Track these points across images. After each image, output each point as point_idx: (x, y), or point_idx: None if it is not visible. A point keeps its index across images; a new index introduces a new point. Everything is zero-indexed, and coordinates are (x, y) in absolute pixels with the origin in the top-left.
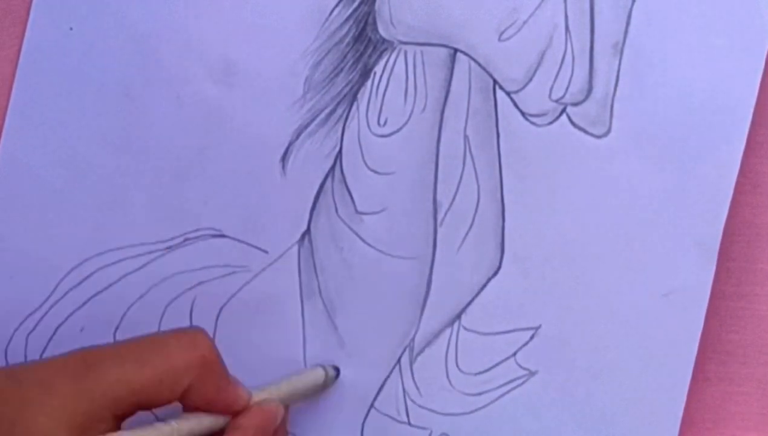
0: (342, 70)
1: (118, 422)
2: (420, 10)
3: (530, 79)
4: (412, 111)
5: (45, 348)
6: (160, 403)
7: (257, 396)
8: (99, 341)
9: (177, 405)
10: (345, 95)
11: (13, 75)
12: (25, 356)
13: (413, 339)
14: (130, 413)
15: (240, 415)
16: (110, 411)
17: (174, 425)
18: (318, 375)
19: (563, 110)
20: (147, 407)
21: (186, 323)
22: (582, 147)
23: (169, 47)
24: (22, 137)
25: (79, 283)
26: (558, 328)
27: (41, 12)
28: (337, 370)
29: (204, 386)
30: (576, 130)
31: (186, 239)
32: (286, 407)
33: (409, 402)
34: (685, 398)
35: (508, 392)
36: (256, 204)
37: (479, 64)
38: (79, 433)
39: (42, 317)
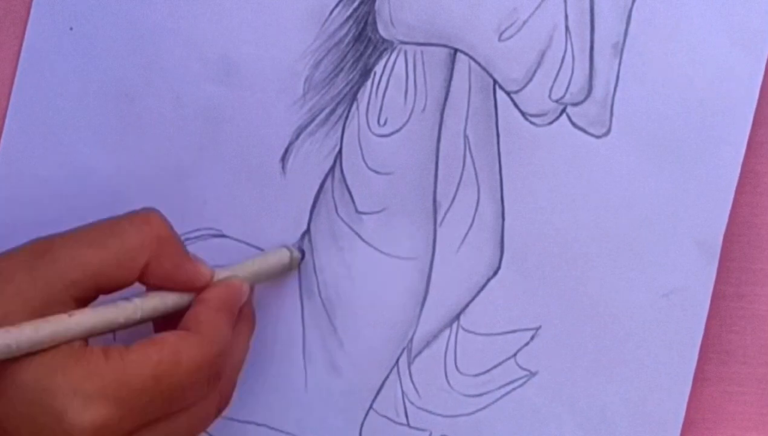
0: (342, 70)
1: (79, 305)
2: (420, 10)
3: (530, 79)
4: (412, 111)
5: None
6: (119, 284)
7: (221, 274)
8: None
9: (143, 287)
10: (345, 95)
11: (13, 75)
12: None
13: (412, 340)
14: (91, 297)
15: (203, 290)
16: (68, 294)
17: (137, 302)
18: (283, 255)
19: (563, 110)
20: (107, 289)
21: None
22: (582, 147)
23: (169, 47)
24: (22, 137)
25: None
26: (558, 328)
27: (41, 12)
28: (302, 252)
29: (161, 264)
30: (576, 131)
31: (186, 239)
32: (252, 287)
33: (407, 403)
34: (687, 399)
35: (508, 393)
36: (256, 204)
37: (479, 64)
38: (39, 316)
39: None
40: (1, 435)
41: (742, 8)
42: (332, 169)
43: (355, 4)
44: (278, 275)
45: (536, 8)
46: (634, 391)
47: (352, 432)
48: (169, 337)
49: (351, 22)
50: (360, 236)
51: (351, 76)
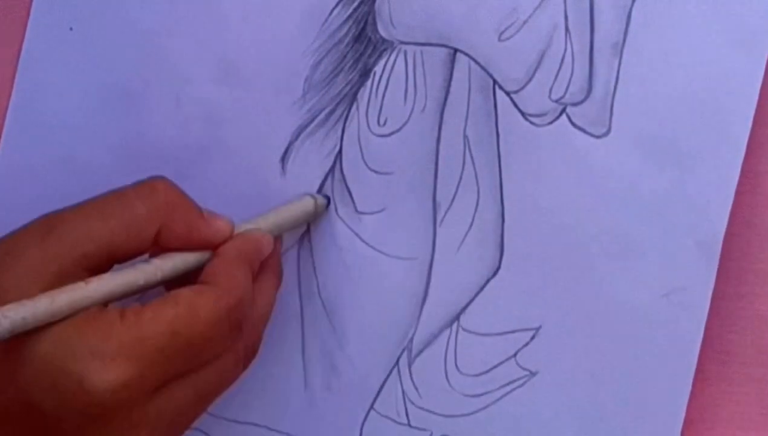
0: (342, 70)
1: (93, 275)
2: (420, 10)
3: (530, 79)
4: (411, 111)
5: None
6: (133, 253)
7: (242, 227)
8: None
9: None
10: (345, 95)
11: (13, 75)
12: None
13: (412, 340)
14: (104, 267)
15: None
16: (81, 267)
17: (157, 263)
18: (307, 204)
19: (563, 110)
20: (120, 259)
21: None
22: (582, 147)
23: (169, 47)
24: (22, 137)
25: None
26: (558, 328)
27: (41, 12)
28: (327, 198)
29: (174, 229)
30: (576, 130)
31: None
32: (279, 238)
33: (408, 404)
34: (687, 399)
35: (508, 393)
36: (256, 204)
37: (479, 64)
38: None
39: None
40: (27, 408)
41: (741, 8)
42: (332, 169)
43: (355, 4)
44: (302, 224)
45: (536, 8)
46: (634, 391)
47: (353, 433)
48: (183, 292)
49: (351, 22)
50: (359, 237)
51: (351, 77)
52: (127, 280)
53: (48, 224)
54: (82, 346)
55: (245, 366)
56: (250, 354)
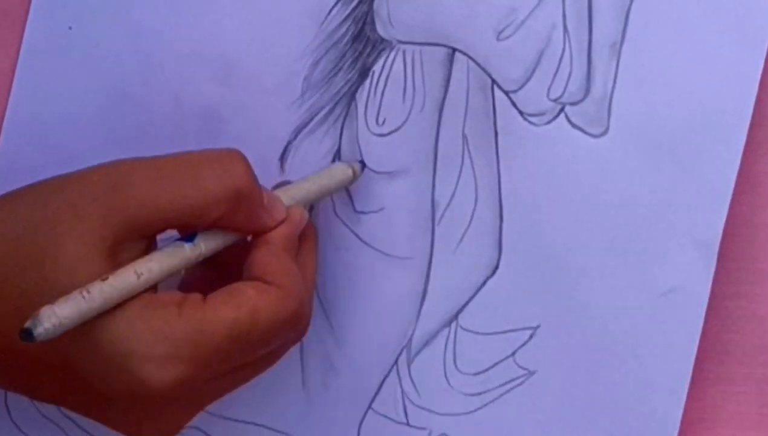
0: (340, 69)
1: (147, 241)
2: (418, 10)
3: (528, 79)
4: (410, 110)
5: None
6: (189, 229)
7: (283, 199)
8: None
9: None
10: (343, 94)
11: (13, 75)
12: None
13: (411, 339)
14: (159, 232)
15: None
16: (139, 233)
17: (201, 246)
18: (345, 173)
19: (561, 110)
20: (174, 228)
21: None
22: (580, 147)
23: (169, 47)
24: (22, 137)
25: None
26: (557, 328)
27: (40, 12)
28: (362, 163)
29: (236, 216)
30: (574, 130)
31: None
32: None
33: (407, 402)
34: (684, 399)
35: (507, 392)
36: None
37: (478, 64)
38: (109, 255)
39: None
40: (87, 388)
41: (741, 8)
42: None
43: (354, 4)
44: (339, 189)
45: (534, 8)
46: (632, 390)
47: (351, 432)
48: (247, 292)
49: (349, 21)
50: (358, 236)
51: (349, 76)
52: (171, 266)
53: (116, 179)
54: (138, 346)
55: (295, 343)
56: (301, 334)
